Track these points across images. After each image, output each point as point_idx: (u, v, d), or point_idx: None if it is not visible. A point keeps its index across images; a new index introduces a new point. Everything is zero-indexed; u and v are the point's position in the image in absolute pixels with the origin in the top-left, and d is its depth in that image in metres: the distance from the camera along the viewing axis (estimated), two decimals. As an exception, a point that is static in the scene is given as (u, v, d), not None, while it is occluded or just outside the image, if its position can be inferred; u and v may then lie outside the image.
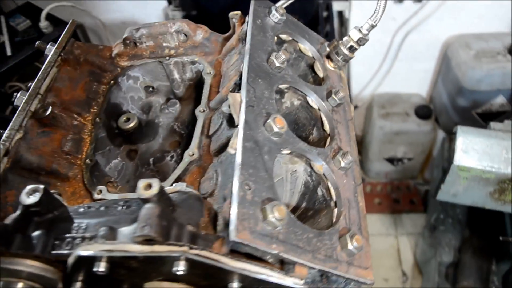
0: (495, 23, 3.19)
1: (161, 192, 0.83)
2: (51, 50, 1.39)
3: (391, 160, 3.95)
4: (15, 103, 1.23)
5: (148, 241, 0.78)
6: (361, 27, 1.33)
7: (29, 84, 1.34)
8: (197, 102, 1.50)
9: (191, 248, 0.77)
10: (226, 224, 0.87)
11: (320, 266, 0.90)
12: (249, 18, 1.26)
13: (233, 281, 0.86)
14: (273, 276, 0.86)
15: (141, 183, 0.85)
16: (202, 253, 0.78)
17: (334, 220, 1.04)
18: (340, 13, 3.39)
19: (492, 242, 2.89)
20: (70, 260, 0.83)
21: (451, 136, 3.14)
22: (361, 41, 1.34)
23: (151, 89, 1.54)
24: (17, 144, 1.13)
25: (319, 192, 1.13)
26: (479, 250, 2.87)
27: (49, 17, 2.89)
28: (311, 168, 1.12)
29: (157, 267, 0.82)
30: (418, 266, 3.60)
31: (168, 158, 1.35)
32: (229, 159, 1.04)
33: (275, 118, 1.01)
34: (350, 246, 0.96)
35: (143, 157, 1.39)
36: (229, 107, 1.07)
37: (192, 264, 0.79)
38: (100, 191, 1.14)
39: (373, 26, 1.32)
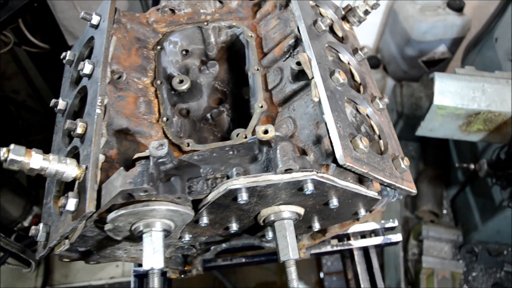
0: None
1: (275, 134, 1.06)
2: (97, 20, 1.46)
3: (345, 109, 4.37)
4: (83, 72, 1.33)
5: (286, 170, 1.01)
6: (374, -7, 1.59)
7: (82, 52, 1.43)
8: (230, 63, 1.69)
9: (318, 173, 1.02)
10: (327, 155, 1.13)
11: (389, 181, 1.19)
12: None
13: (333, 198, 1.14)
14: (363, 190, 1.15)
15: (259, 128, 1.06)
16: (325, 176, 1.03)
17: (383, 148, 1.34)
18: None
19: (442, 171, 3.47)
20: (215, 194, 1.03)
21: (401, 83, 3.60)
22: (375, 6, 1.60)
23: (184, 52, 1.68)
24: (108, 109, 1.25)
25: (363, 129, 1.41)
26: (433, 179, 3.42)
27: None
28: (357, 110, 1.40)
29: (286, 192, 1.05)
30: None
31: (224, 111, 1.54)
32: (303, 108, 1.28)
33: (339, 71, 1.25)
34: (402, 165, 1.26)
35: (196, 114, 1.56)
36: (297, 64, 1.29)
37: (315, 186, 1.04)
38: (188, 144, 1.31)
39: (385, -9, 1.58)
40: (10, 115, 3.61)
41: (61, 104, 1.40)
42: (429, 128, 2.16)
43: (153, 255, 1.03)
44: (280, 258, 1.08)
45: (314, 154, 1.17)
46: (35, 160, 1.02)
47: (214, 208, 1.08)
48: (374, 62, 4.07)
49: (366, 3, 1.59)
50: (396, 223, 1.79)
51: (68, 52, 1.53)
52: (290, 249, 1.08)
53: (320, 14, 1.63)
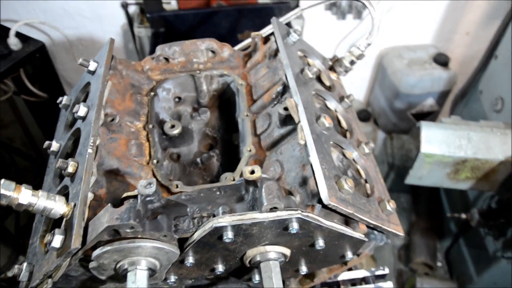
0: (420, 36, 3.83)
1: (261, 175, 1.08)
2: (94, 66, 1.53)
3: (337, 159, 4.42)
4: (77, 114, 1.37)
5: (271, 209, 1.02)
6: (359, 45, 1.69)
7: (78, 97, 1.49)
8: (221, 110, 1.75)
9: (303, 212, 1.04)
10: (313, 195, 1.15)
11: (375, 222, 1.20)
12: (278, 39, 1.55)
13: (319, 239, 1.14)
14: (348, 231, 1.16)
15: (246, 169, 1.09)
16: (310, 215, 1.05)
17: (369, 192, 1.36)
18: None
19: (435, 222, 3.45)
20: (201, 232, 1.04)
21: (391, 135, 3.68)
22: (360, 57, 1.70)
23: (177, 99, 1.74)
24: (99, 149, 1.29)
25: (349, 173, 1.44)
26: (425, 230, 3.40)
27: (17, 35, 2.87)
28: (343, 155, 1.44)
29: (271, 231, 1.06)
30: (373, 254, 4.09)
31: (214, 156, 1.57)
32: (290, 151, 1.31)
33: (325, 116, 1.31)
34: (388, 208, 1.28)
35: (186, 159, 1.59)
36: (284, 109, 1.35)
37: (300, 225, 1.05)
38: (177, 185, 1.33)
39: (368, 45, 1.68)
40: (3, 161, 3.62)
41: (54, 146, 1.44)
42: (417, 176, 2.19)
43: (134, 295, 1.01)
44: (266, 301, 1.07)
45: (300, 195, 1.19)
46: (24, 196, 1.03)
47: (200, 247, 1.08)
48: (365, 115, 4.19)
49: (352, 53, 1.69)
50: (386, 271, 1.76)
51: (65, 97, 1.59)
52: (276, 291, 1.06)
53: (308, 64, 1.72)
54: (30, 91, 3.21)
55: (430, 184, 2.26)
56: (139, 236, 1.03)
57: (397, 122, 3.82)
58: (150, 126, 1.50)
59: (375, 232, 1.36)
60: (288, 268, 1.27)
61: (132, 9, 3.54)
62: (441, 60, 3.57)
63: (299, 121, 1.28)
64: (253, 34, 1.71)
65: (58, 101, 1.58)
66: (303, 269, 1.27)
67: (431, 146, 2.05)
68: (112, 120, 1.39)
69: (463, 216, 2.56)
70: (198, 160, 1.56)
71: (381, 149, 3.89)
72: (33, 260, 1.19)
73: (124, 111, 1.49)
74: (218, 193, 1.19)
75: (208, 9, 3.19)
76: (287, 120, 1.37)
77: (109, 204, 1.04)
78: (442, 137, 2.04)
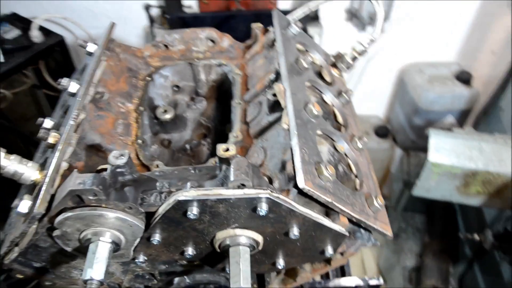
0: (443, 53, 3.72)
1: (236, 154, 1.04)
2: (93, 47, 1.54)
3: (353, 176, 4.30)
4: (68, 90, 1.37)
5: (238, 186, 0.97)
6: (362, 41, 1.63)
7: (74, 76, 1.49)
8: (219, 101, 1.73)
9: (272, 192, 0.98)
10: (289, 179, 1.09)
11: (358, 216, 1.13)
12: (275, 28, 1.52)
13: (293, 227, 1.07)
14: (326, 221, 1.09)
15: (220, 146, 1.05)
16: (281, 197, 0.99)
17: (358, 187, 1.29)
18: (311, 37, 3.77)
19: (449, 245, 3.28)
20: (165, 206, 0.99)
21: (408, 152, 3.56)
22: (362, 53, 1.64)
23: (176, 88, 1.73)
24: (82, 123, 1.28)
25: (340, 168, 1.37)
26: (438, 253, 3.23)
27: (39, 28, 2.97)
28: (334, 148, 1.37)
29: (238, 212, 1.01)
30: (382, 273, 3.92)
31: (204, 145, 1.54)
32: (275, 137, 1.26)
33: (314, 103, 1.25)
34: (375, 203, 1.20)
35: (177, 145, 1.57)
36: (273, 95, 1.31)
37: (270, 208, 0.99)
38: (157, 165, 1.30)
39: (372, 41, 1.63)
40: (22, 154, 3.72)
41: (47, 123, 1.43)
42: (425, 188, 2.08)
43: (94, 264, 0.97)
44: (231, 286, 1.00)
45: (279, 181, 1.14)
46: (-5, 157, 1.03)
47: (166, 223, 1.03)
48: (383, 131, 4.07)
49: (354, 50, 1.63)
50: (381, 281, 1.66)
51: (64, 78, 1.60)
52: (242, 277, 1.00)
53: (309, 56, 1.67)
54: (50, 85, 3.30)
55: (438, 197, 2.13)
56: (103, 205, 1.00)
57: (416, 139, 3.69)
58: (141, 108, 1.49)
59: (362, 230, 1.28)
60: (264, 260, 1.21)
61: (155, 11, 3.62)
62: (464, 78, 3.44)
63: (285, 106, 1.23)
64: (253, 25, 1.69)
65: (57, 83, 1.60)
66: (280, 263, 1.20)
67: (440, 155, 1.94)
68: (101, 97, 1.38)
69: (476, 237, 2.40)
70: (187, 146, 1.53)
71: (398, 166, 3.76)
72: (7, 230, 1.18)
73: (116, 91, 1.48)
74: (192, 171, 1.15)
75: (227, 13, 3.21)
76: (276, 106, 1.32)
77: (75, 170, 1.01)
78: (452, 146, 1.93)
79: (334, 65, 1.69)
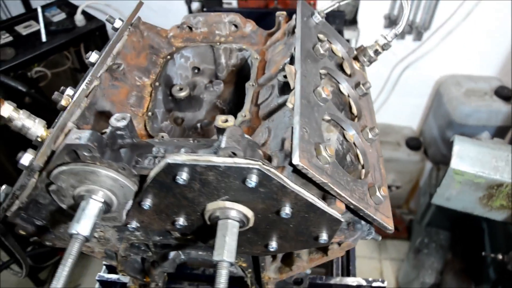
0: (484, 68, 3.56)
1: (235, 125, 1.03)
2: (119, 23, 1.58)
3: (379, 187, 4.18)
4: (88, 60, 1.42)
5: (230, 155, 0.96)
6: (386, 35, 1.59)
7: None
8: (237, 86, 1.72)
9: (264, 164, 0.96)
10: (286, 156, 1.07)
11: (356, 203, 1.08)
12: (297, 16, 1.51)
13: (286, 206, 1.05)
14: (319, 203, 1.05)
15: (219, 117, 1.05)
16: (272, 170, 0.97)
17: (362, 176, 1.24)
18: (347, 41, 3.72)
19: (472, 265, 3.11)
20: (156, 169, 1.00)
21: (438, 166, 3.42)
22: (385, 46, 1.59)
23: (196, 70, 1.74)
24: (95, 89, 1.31)
25: (348, 158, 1.33)
26: (460, 272, 3.07)
27: (83, 12, 3.11)
28: (343, 137, 1.33)
29: (228, 182, 0.99)
30: (400, 288, 3.77)
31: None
32: (281, 117, 1.24)
33: (323, 86, 1.23)
34: (378, 194, 1.15)
35: (189, 124, 1.58)
36: (284, 77, 1.29)
37: (260, 181, 0.97)
38: (162, 136, 1.31)
39: (396, 35, 1.57)
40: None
41: (68, 91, 1.49)
42: (445, 196, 1.98)
43: (82, 219, 0.99)
44: (213, 258, 0.99)
45: (278, 160, 1.12)
46: (5, 109, 1.07)
47: (156, 188, 1.03)
48: (415, 143, 3.94)
49: (377, 43, 1.59)
50: (385, 284, 1.58)
51: (91, 52, 1.66)
52: (226, 250, 0.98)
53: (332, 51, 1.65)
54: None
55: (459, 208, 2.02)
56: (97, 163, 1.01)
57: (447, 153, 3.51)
58: (157, 83, 1.51)
59: (362, 222, 1.23)
60: (256, 240, 1.18)
61: (195, 5, 3.70)
62: (503, 94, 3.27)
63: (293, 88, 1.21)
64: (277, 13, 1.68)
65: (85, 57, 1.66)
66: (273, 245, 1.17)
67: (463, 162, 1.84)
68: (118, 67, 1.41)
69: (500, 257, 2.26)
70: (198, 125, 1.54)
71: (426, 180, 3.62)
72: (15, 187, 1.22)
73: (134, 65, 1.51)
74: (191, 141, 1.15)
75: (264, 10, 3.23)
76: (285, 88, 1.30)
77: (75, 126, 1.04)
78: (477, 154, 1.83)
79: (356, 58, 1.66)
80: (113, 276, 1.64)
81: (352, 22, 3.38)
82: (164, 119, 1.53)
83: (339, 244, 1.26)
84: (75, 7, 3.13)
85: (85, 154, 1.00)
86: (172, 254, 1.41)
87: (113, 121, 1.06)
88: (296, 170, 1.02)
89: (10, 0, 3.60)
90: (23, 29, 2.89)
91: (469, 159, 1.83)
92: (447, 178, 1.89)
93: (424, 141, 3.95)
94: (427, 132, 3.90)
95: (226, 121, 1.04)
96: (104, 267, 1.73)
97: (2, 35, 2.83)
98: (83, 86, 1.27)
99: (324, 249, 1.32)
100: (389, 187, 4.15)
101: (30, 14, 3.03)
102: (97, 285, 1.69)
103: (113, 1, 3.42)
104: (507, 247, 2.67)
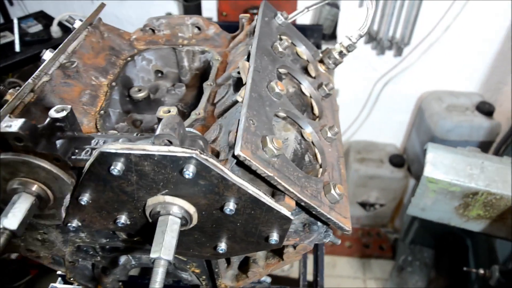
0: (466, 83, 3.56)
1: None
2: (79, 24, 1.55)
3: (363, 205, 4.12)
4: (42, 58, 1.37)
5: (165, 144, 0.91)
6: (351, 36, 1.56)
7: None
8: (200, 90, 1.68)
9: (200, 153, 0.90)
10: (230, 148, 1.01)
11: (307, 200, 1.02)
12: (258, 15, 1.49)
13: (229, 201, 0.98)
14: (265, 198, 0.99)
15: (161, 108, 1.00)
16: (210, 160, 0.91)
17: (319, 175, 1.19)
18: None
19: (457, 283, 3.01)
20: (91, 159, 0.94)
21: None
22: (350, 48, 1.56)
23: (160, 74, 1.71)
24: (43, 85, 1.26)
25: (306, 158, 1.28)
26: (443, 289, 2.97)
27: (59, 24, 3.10)
28: (301, 136, 1.28)
29: (166, 174, 0.93)
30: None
31: (172, 125, 1.48)
32: (233, 114, 1.20)
33: (277, 81, 1.18)
34: (333, 192, 1.09)
35: (147, 126, 1.52)
36: (238, 73, 1.25)
37: (198, 172, 0.91)
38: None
39: (360, 36, 1.55)
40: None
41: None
42: (420, 206, 1.91)
43: (10, 213, 0.92)
44: (150, 255, 0.92)
45: (225, 154, 1.06)
46: None
47: (93, 181, 0.97)
48: (398, 160, 3.90)
49: (342, 45, 1.56)
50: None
51: (45, 50, 1.61)
52: (163, 247, 0.91)
53: (296, 53, 1.62)
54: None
55: (435, 219, 1.95)
56: (30, 154, 0.95)
57: (430, 169, 3.49)
58: (113, 84, 1.47)
59: (319, 223, 1.16)
60: (204, 241, 1.11)
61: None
62: (485, 109, 3.26)
63: (245, 83, 1.17)
64: (241, 15, 1.66)
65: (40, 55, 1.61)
66: (222, 246, 1.10)
67: (437, 170, 1.79)
68: (71, 65, 1.37)
69: (481, 271, 2.18)
70: (155, 126, 1.48)
71: (409, 196, 3.55)
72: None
73: (91, 65, 1.47)
74: (135, 135, 1.10)
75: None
76: (239, 84, 1.26)
77: (9, 114, 0.98)
78: (451, 162, 1.78)
79: (321, 61, 1.63)
80: (66, 287, 1.55)
81: (331, 36, 3.39)
82: (121, 120, 1.48)
83: (295, 247, 1.19)
84: (52, 19, 3.12)
85: (17, 143, 0.94)
86: (122, 259, 1.33)
87: (52, 112, 1.01)
88: (241, 164, 0.97)
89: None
90: (-3, 40, 2.87)
91: (443, 166, 1.78)
92: (421, 187, 1.83)
93: (408, 158, 3.92)
94: (410, 149, 3.87)
95: (169, 111, 1.00)
96: (59, 278, 1.63)
97: (-26, 45, 2.81)
98: (29, 80, 1.22)
99: (280, 254, 1.25)
100: (373, 205, 4.08)
101: (6, 25, 3.02)
102: (50, 297, 1.60)
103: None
104: (490, 262, 2.59)
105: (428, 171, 1.80)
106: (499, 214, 1.80)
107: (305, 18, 3.40)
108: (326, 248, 4.09)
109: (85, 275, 1.39)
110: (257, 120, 1.05)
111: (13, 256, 3.61)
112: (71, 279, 1.40)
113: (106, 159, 0.92)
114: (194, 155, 0.89)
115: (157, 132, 0.90)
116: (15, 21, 2.99)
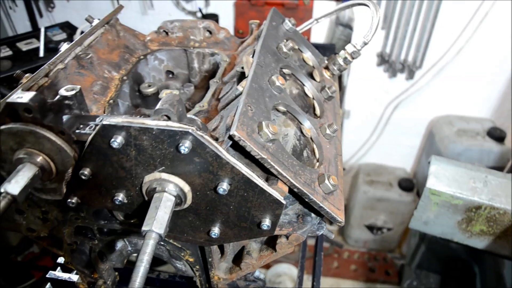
0: (477, 109, 3.56)
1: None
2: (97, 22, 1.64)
3: (371, 228, 4.06)
4: (60, 49, 1.46)
5: (164, 119, 0.95)
6: (356, 43, 1.61)
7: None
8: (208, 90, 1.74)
9: (196, 129, 0.94)
10: (226, 130, 1.05)
11: (300, 186, 1.05)
12: (267, 20, 1.55)
13: (223, 181, 1.01)
14: (258, 181, 1.02)
15: (164, 90, 1.05)
16: (206, 137, 0.95)
17: (315, 167, 1.21)
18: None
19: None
20: (93, 133, 0.99)
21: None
22: (354, 54, 1.60)
23: (170, 75, 1.77)
24: (58, 71, 1.33)
25: (305, 154, 1.31)
26: (449, 316, 2.88)
27: (82, 33, 3.23)
28: (301, 132, 1.31)
29: (163, 149, 0.97)
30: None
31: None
32: (234, 105, 1.24)
33: (278, 76, 1.23)
34: (327, 182, 1.11)
35: (154, 120, 1.58)
36: (242, 68, 1.30)
37: (194, 148, 0.95)
38: (118, 120, 1.30)
39: (365, 43, 1.59)
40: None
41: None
42: (423, 219, 1.89)
43: (13, 179, 0.97)
44: (142, 228, 0.95)
45: (222, 138, 1.10)
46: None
47: (94, 155, 1.01)
48: (407, 184, 3.87)
49: (346, 51, 1.61)
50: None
51: (63, 43, 1.70)
52: (156, 221, 0.94)
53: (303, 59, 1.67)
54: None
55: (438, 234, 1.93)
56: (38, 124, 1.01)
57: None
58: (125, 77, 1.53)
59: (313, 215, 1.18)
60: (198, 225, 1.14)
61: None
62: (496, 134, 3.24)
63: (247, 75, 1.21)
64: (250, 21, 1.73)
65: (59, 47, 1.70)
66: (215, 231, 1.12)
67: (439, 182, 1.78)
68: (86, 56, 1.44)
69: (485, 295, 2.12)
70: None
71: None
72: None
73: (105, 59, 1.54)
74: (140, 117, 1.14)
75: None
76: (242, 78, 1.31)
77: (21, 87, 1.04)
78: (454, 174, 1.77)
79: (326, 68, 1.67)
80: (64, 275, 1.57)
81: (344, 58, 3.45)
82: (129, 113, 1.53)
83: (287, 237, 1.20)
84: (76, 29, 3.27)
85: (26, 114, 0.99)
86: (119, 245, 1.36)
87: (62, 90, 1.08)
88: (237, 147, 1.00)
89: (21, 20, 3.79)
90: (24, 45, 3.01)
91: (446, 179, 1.77)
92: (424, 199, 1.82)
93: (418, 182, 3.88)
94: (420, 173, 3.84)
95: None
96: (59, 267, 1.66)
97: (3, 49, 2.95)
98: (45, 66, 1.30)
99: (273, 245, 1.26)
100: (380, 228, 4.03)
101: (33, 33, 3.18)
102: (48, 284, 1.62)
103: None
104: (499, 284, 2.52)
105: (431, 183, 1.79)
106: (502, 230, 1.77)
107: (319, 38, 3.49)
108: (331, 271, 4.03)
109: (82, 260, 1.42)
110: (256, 107, 1.09)
111: (19, 258, 3.66)
112: (69, 263, 1.42)
113: (107, 131, 0.96)
114: (190, 131, 0.93)
115: (157, 107, 0.95)
116: (42, 30, 3.14)
